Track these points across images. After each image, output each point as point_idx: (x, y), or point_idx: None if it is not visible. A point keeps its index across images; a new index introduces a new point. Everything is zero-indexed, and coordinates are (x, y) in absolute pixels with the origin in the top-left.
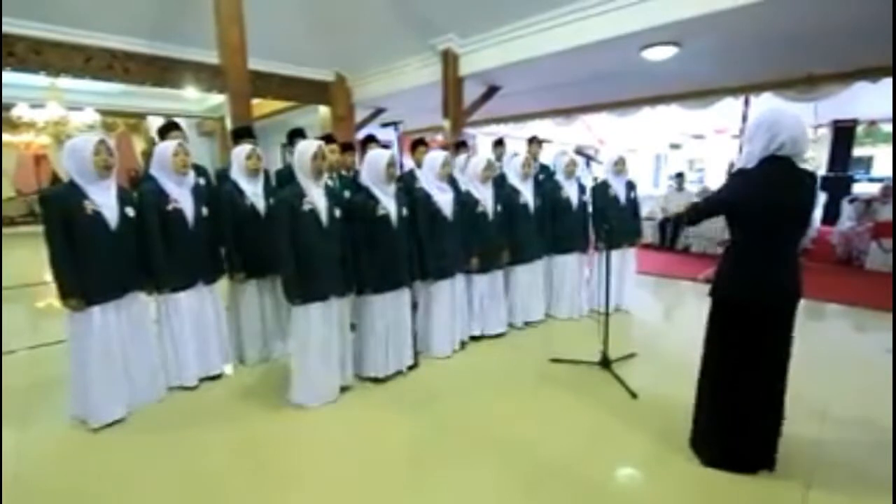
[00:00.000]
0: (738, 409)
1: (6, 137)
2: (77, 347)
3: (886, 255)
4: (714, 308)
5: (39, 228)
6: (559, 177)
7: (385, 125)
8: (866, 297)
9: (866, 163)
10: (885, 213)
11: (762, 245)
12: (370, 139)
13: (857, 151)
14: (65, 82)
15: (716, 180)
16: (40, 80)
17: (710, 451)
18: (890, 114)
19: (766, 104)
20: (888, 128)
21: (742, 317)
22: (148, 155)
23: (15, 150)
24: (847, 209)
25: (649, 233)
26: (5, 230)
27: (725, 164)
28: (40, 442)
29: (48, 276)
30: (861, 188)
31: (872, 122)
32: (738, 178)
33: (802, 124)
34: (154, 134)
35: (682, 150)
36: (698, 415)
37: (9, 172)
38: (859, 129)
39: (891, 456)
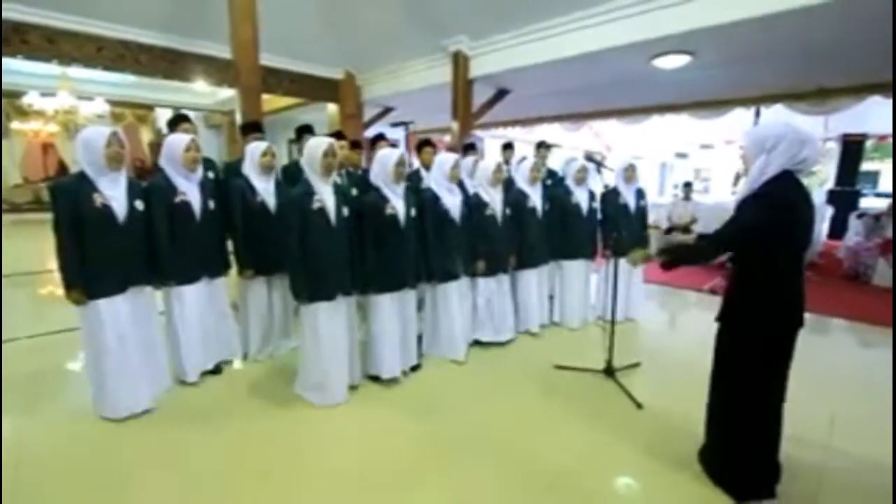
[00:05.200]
0: (763, 434)
1: (15, 125)
2: (89, 340)
3: None
4: (730, 330)
5: (45, 216)
6: (569, 182)
7: (395, 125)
8: (873, 313)
9: (873, 177)
10: (892, 230)
11: (782, 267)
12: (379, 137)
13: (865, 166)
14: (75, 72)
15: (722, 190)
16: (52, 68)
17: (738, 482)
18: None
19: (776, 116)
20: None
21: (761, 337)
22: (156, 146)
23: (23, 137)
24: (855, 224)
25: (654, 242)
26: (12, 217)
27: (732, 176)
28: (42, 433)
29: (51, 265)
30: (867, 203)
31: (882, 137)
32: (763, 203)
33: (819, 141)
34: (161, 125)
35: (687, 160)
36: (712, 439)
37: (16, 160)
38: (868, 144)
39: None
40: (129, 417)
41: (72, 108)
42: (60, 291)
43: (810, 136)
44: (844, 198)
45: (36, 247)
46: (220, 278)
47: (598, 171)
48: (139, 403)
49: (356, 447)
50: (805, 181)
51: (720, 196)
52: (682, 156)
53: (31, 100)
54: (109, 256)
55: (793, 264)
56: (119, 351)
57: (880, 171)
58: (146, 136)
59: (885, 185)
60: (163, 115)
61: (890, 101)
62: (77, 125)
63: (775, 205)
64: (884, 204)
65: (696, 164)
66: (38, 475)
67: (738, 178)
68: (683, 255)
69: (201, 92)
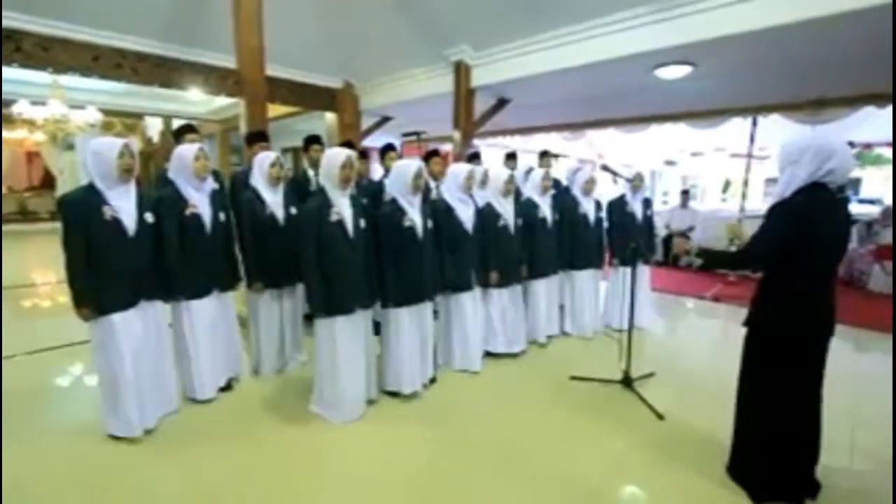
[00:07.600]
0: (786, 438)
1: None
2: (102, 356)
3: (889, 278)
4: (756, 339)
5: (30, 227)
6: (576, 192)
7: (407, 135)
8: (869, 318)
9: (855, 185)
10: (886, 236)
11: (809, 278)
12: (389, 148)
13: None
14: (65, 79)
15: (711, 197)
16: (42, 77)
17: (756, 482)
18: (885, 138)
19: (774, 126)
20: (880, 151)
21: (790, 348)
22: (146, 155)
23: (7, 146)
24: None
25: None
26: None
27: (721, 183)
28: (41, 454)
29: (38, 278)
30: (853, 209)
31: (867, 146)
32: (780, 211)
33: (850, 152)
34: (152, 134)
35: (676, 167)
36: (739, 444)
37: None
38: (853, 152)
39: None
40: (141, 436)
41: (63, 116)
42: (46, 305)
43: (837, 148)
44: None
45: (20, 259)
46: (231, 292)
47: (615, 181)
48: (149, 421)
49: (378, 465)
50: None
51: (712, 203)
52: (670, 163)
53: (21, 108)
54: (119, 270)
55: (817, 271)
56: (133, 366)
57: (861, 178)
58: (136, 144)
59: (866, 191)
60: (152, 124)
61: (879, 112)
62: (67, 134)
63: (791, 215)
64: (870, 210)
65: (684, 172)
66: (49, 496)
67: (727, 185)
68: (721, 260)
69: (194, 101)
